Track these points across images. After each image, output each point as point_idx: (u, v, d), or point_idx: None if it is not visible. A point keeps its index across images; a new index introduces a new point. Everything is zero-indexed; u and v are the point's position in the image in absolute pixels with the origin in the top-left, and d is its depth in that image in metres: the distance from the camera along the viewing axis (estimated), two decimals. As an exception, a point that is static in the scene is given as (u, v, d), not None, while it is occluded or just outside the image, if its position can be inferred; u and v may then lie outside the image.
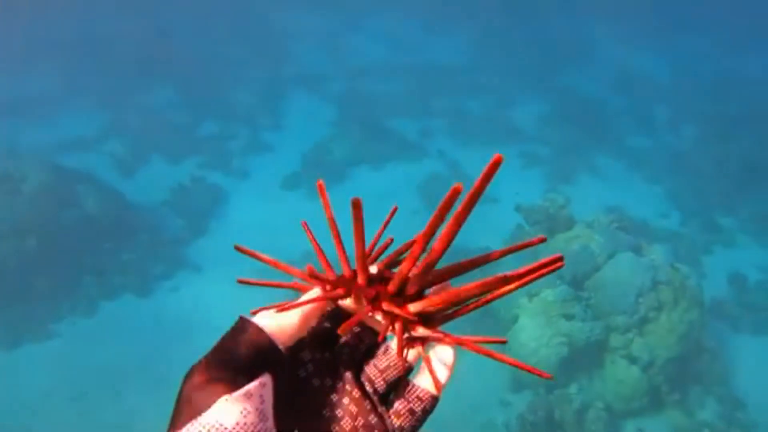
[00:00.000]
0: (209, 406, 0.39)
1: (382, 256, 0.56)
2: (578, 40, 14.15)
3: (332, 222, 0.50)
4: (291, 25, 14.60)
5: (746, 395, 5.34)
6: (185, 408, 0.39)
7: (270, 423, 0.40)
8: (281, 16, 15.03)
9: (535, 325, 5.49)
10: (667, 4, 15.83)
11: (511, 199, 7.85)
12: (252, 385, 0.41)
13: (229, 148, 9.98)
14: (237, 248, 0.59)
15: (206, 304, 6.54)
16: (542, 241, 0.47)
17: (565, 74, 12.71)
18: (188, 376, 0.42)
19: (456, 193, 0.39)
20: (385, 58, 13.40)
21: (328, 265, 0.50)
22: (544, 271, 0.44)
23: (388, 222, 0.58)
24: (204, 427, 0.37)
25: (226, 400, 0.39)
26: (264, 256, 0.54)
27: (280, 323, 0.46)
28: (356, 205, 0.45)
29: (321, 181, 0.53)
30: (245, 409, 0.39)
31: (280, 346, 0.45)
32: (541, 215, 7.18)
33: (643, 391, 5.32)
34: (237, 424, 0.38)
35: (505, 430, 5.03)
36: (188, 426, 0.38)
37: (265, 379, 0.42)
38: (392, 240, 0.56)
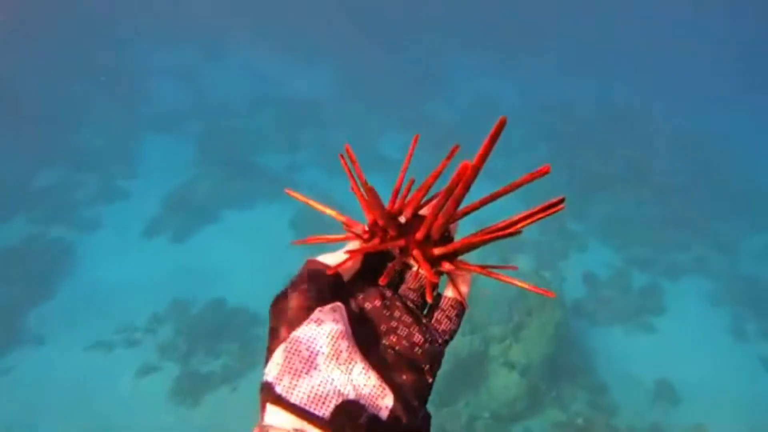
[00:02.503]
0: (307, 316, 0.51)
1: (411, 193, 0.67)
2: (436, 71, 15.41)
3: (358, 187, 0.60)
4: (143, 61, 14.09)
5: (607, 379, 6.12)
6: (283, 321, 0.51)
7: (350, 333, 0.51)
8: (131, 51, 14.48)
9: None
10: (512, 36, 17.86)
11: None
12: (335, 303, 0.53)
13: (74, 198, 9.25)
14: (287, 192, 0.76)
15: (52, 379, 5.94)
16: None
17: (426, 104, 13.74)
18: (277, 300, 0.54)
19: (464, 169, 0.54)
20: (245, 94, 13.45)
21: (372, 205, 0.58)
22: (544, 214, 0.55)
23: (409, 160, 0.68)
24: (309, 328, 0.50)
25: (320, 310, 0.51)
26: (312, 201, 0.66)
27: (339, 262, 0.58)
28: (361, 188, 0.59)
29: (348, 145, 0.66)
30: (335, 319, 0.51)
31: (344, 278, 0.58)
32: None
33: (524, 393, 5.87)
34: (331, 330, 0.49)
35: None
36: (297, 331, 0.50)
37: (339, 303, 0.54)
38: (413, 180, 0.65)
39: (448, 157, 0.62)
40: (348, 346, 0.49)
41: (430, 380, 0.54)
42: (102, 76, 12.32)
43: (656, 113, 12.82)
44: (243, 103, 12.92)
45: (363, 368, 0.48)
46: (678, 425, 5.36)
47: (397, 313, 0.57)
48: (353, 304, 0.56)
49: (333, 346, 0.48)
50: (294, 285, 0.54)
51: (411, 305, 0.59)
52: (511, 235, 0.56)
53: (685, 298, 7.89)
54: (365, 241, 0.60)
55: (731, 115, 14.46)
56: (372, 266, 0.60)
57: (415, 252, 0.57)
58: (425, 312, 0.60)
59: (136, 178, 10.02)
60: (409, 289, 0.60)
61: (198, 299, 6.96)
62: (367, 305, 0.57)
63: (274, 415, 0.46)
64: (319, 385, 0.46)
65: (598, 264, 8.21)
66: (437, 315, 0.60)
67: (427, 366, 0.54)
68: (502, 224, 0.57)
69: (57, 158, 9.94)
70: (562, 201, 0.54)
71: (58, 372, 6.08)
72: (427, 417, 0.53)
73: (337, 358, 0.47)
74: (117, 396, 5.78)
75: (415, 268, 0.61)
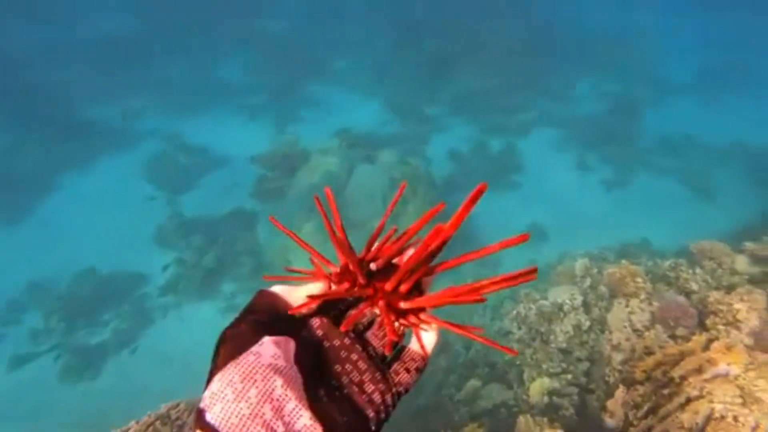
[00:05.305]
0: (248, 348, 0.51)
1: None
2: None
3: (332, 233, 0.58)
4: None
5: (487, 239, 6.83)
6: (226, 350, 0.52)
7: (290, 370, 0.51)
8: None
9: (305, 257, 6.06)
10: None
11: (244, 154, 8.20)
12: (281, 337, 0.53)
13: None
14: (270, 218, 0.71)
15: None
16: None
17: (254, 17, 13.17)
18: (225, 330, 0.54)
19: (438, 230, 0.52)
20: (49, 40, 11.99)
21: (328, 260, 0.60)
22: (514, 282, 0.53)
23: (390, 210, 0.66)
24: (247, 359, 0.50)
25: (261, 344, 0.51)
26: (294, 235, 0.64)
27: (294, 297, 0.58)
28: (336, 231, 0.58)
29: (317, 195, 0.64)
30: (275, 354, 0.51)
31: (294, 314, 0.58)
32: (278, 159, 7.74)
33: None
34: (270, 365, 0.50)
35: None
36: (234, 361, 0.50)
37: (287, 337, 0.53)
38: (396, 229, 0.63)
39: (431, 214, 0.59)
40: (284, 383, 0.50)
41: (373, 429, 0.55)
42: None
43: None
44: (44, 52, 11.51)
45: (296, 405, 0.49)
46: (549, 257, 6.19)
47: (354, 357, 0.57)
48: (310, 339, 0.57)
49: (268, 380, 0.49)
50: (243, 315, 0.55)
51: (372, 352, 0.59)
52: (477, 301, 0.55)
53: (537, 151, 8.84)
54: (335, 283, 0.60)
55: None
56: (337, 304, 0.60)
57: (381, 303, 0.57)
58: (388, 360, 0.60)
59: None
60: (374, 336, 0.60)
61: (62, 275, 6.56)
62: (326, 343, 0.57)
63: None
64: (249, 417, 0.47)
65: (459, 139, 8.83)
66: (397, 366, 0.59)
67: (372, 414, 0.55)
68: (469, 287, 0.55)
69: None
70: (534, 271, 0.53)
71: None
72: None
73: (271, 393, 0.49)
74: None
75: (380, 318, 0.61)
